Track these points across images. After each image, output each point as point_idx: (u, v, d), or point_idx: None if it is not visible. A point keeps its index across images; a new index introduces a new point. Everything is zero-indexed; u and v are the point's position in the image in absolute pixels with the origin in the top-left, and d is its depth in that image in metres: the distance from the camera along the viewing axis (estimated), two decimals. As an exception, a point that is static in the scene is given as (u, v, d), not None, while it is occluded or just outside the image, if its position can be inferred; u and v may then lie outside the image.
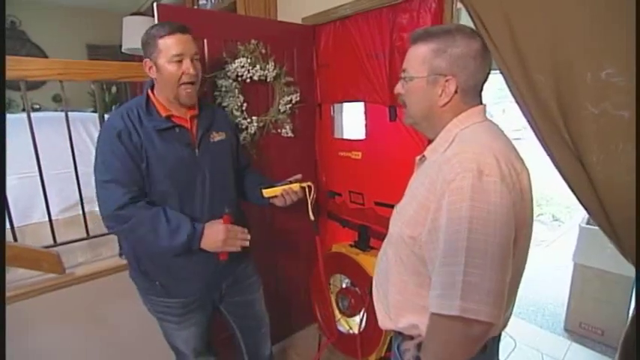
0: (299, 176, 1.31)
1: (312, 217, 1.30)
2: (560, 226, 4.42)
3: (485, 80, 0.82)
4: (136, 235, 1.09)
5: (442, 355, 0.71)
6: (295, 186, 1.28)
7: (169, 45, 1.10)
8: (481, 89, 0.83)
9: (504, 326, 0.88)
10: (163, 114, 1.16)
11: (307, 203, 1.29)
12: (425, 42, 0.79)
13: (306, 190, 1.29)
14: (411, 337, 0.86)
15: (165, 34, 1.10)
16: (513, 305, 0.89)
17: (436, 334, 0.72)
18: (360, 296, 1.67)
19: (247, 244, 1.18)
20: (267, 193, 1.29)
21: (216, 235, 1.13)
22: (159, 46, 1.10)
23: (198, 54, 1.17)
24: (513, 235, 0.68)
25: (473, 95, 0.81)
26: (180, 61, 1.11)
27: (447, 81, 0.78)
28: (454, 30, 0.78)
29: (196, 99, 1.21)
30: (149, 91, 1.19)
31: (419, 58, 0.80)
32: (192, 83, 1.15)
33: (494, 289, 0.64)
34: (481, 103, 0.84)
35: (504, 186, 0.67)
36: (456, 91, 0.78)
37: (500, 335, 0.90)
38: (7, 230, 1.39)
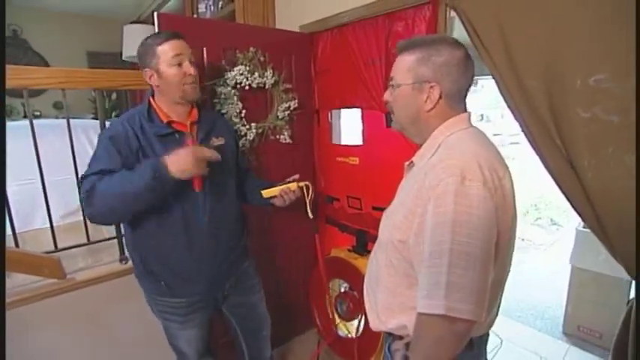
0: (297, 176, 1.34)
1: (310, 216, 1.32)
2: (558, 229, 4.44)
3: (469, 87, 0.85)
4: (111, 195, 1.05)
5: (430, 352, 0.73)
6: (293, 185, 1.30)
7: (167, 50, 1.15)
8: (465, 95, 0.86)
9: (490, 326, 0.90)
10: (164, 120, 1.19)
11: (305, 202, 1.31)
12: (410, 52, 0.83)
13: (304, 189, 1.31)
14: (401, 338, 0.87)
15: (162, 41, 1.15)
16: (499, 305, 0.91)
17: (423, 333, 0.74)
18: (359, 300, 1.69)
19: (215, 158, 1.09)
20: (266, 193, 1.32)
21: (184, 157, 1.04)
22: (157, 52, 1.15)
23: (193, 57, 1.22)
24: (495, 237, 0.70)
25: (457, 101, 0.84)
26: (180, 64, 1.16)
27: (431, 87, 0.81)
28: (437, 40, 0.82)
29: (199, 95, 1.25)
30: (150, 99, 1.22)
31: (405, 66, 0.84)
32: (193, 82, 1.20)
33: (476, 288, 0.67)
34: (466, 109, 0.87)
35: (486, 190, 0.69)
36: (440, 97, 0.81)
37: (487, 334, 0.92)
38: (9, 236, 1.41)
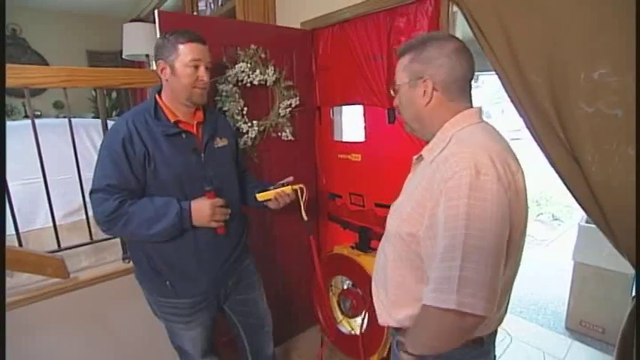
0: (290, 178, 1.35)
1: (305, 218, 1.32)
2: (560, 225, 4.44)
3: (468, 77, 0.84)
4: (130, 230, 1.12)
5: (432, 343, 0.75)
6: (287, 189, 1.32)
7: (188, 51, 1.16)
8: (465, 87, 0.85)
9: (500, 323, 0.90)
10: (172, 119, 1.20)
11: (300, 205, 1.31)
12: (405, 54, 0.86)
13: (298, 192, 1.32)
14: None
15: (185, 41, 1.16)
16: (508, 302, 0.91)
17: (429, 325, 0.74)
18: (362, 297, 1.69)
19: (228, 217, 1.25)
20: (260, 197, 1.33)
21: (203, 211, 1.18)
22: (178, 50, 1.16)
23: (211, 63, 1.23)
24: (508, 232, 0.70)
25: (456, 92, 0.83)
26: (196, 67, 1.17)
27: (424, 81, 0.83)
28: (427, 38, 0.85)
29: (206, 100, 1.26)
30: (157, 96, 1.22)
31: (401, 68, 0.88)
32: (204, 88, 1.22)
33: (488, 283, 0.67)
34: (471, 100, 0.86)
35: (500, 185, 0.69)
36: (435, 89, 0.83)
37: (496, 331, 0.92)
38: (12, 236, 1.41)
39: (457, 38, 0.86)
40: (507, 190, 0.70)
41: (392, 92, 0.91)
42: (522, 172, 0.77)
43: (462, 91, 0.84)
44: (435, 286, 0.70)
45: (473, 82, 0.87)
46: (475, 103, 0.87)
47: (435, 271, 0.71)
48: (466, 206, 0.67)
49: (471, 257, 0.66)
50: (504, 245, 0.69)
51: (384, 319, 0.94)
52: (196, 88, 1.19)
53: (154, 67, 1.22)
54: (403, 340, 0.85)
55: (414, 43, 0.85)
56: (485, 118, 0.86)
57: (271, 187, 1.33)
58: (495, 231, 0.67)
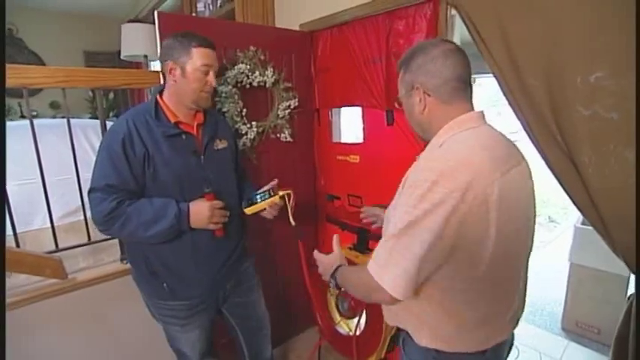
0: (275, 182, 1.33)
1: (293, 224, 1.32)
2: (556, 227, 4.46)
3: (462, 77, 0.83)
4: (128, 231, 1.12)
5: (348, 286, 0.92)
6: (275, 198, 1.29)
7: (202, 55, 1.17)
8: (461, 86, 0.84)
9: (505, 335, 0.93)
10: (172, 120, 1.20)
11: (287, 211, 1.30)
12: (401, 68, 0.91)
13: (286, 198, 1.31)
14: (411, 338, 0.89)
15: (199, 45, 1.17)
16: (518, 318, 0.94)
17: (359, 277, 0.87)
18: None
19: (226, 219, 1.26)
20: (249, 211, 1.31)
21: (202, 213, 1.18)
22: (191, 53, 1.16)
23: (217, 69, 1.25)
24: (448, 242, 0.73)
25: (451, 93, 0.83)
26: (207, 72, 1.19)
27: (416, 89, 0.85)
28: (415, 49, 0.88)
29: (210, 104, 1.27)
30: (158, 97, 1.22)
31: (399, 82, 0.92)
32: (210, 92, 1.23)
33: (403, 273, 0.75)
34: (470, 101, 0.86)
35: (453, 199, 0.70)
36: (427, 94, 0.84)
37: (504, 342, 0.93)
38: (10, 236, 1.40)
39: (447, 41, 0.87)
40: (462, 202, 0.71)
41: (397, 105, 0.95)
42: (511, 184, 0.77)
43: (457, 92, 0.83)
44: (376, 259, 0.81)
45: (472, 82, 0.87)
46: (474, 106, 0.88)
47: (380, 248, 0.81)
48: (407, 215, 0.74)
49: (398, 250, 0.76)
50: (432, 251, 0.73)
51: (392, 320, 0.97)
52: (204, 92, 1.20)
53: (153, 68, 1.22)
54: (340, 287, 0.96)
55: (405, 57, 0.89)
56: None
57: (258, 197, 1.30)
58: (423, 237, 0.72)
